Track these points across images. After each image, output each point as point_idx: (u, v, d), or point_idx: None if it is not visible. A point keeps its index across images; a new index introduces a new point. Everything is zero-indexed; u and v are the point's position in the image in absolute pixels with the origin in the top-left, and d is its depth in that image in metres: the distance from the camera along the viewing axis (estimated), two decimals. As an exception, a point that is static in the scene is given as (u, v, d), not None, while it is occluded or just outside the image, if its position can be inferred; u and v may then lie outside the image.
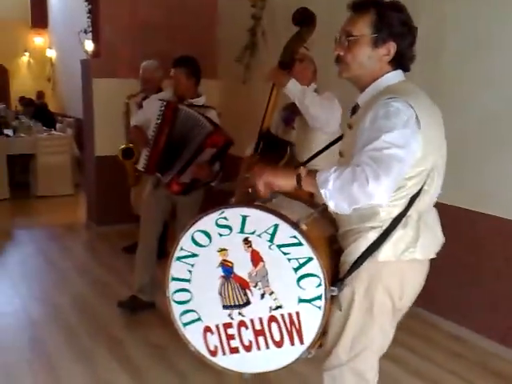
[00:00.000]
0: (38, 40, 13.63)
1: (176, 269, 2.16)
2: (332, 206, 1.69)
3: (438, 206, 1.98)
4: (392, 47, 1.83)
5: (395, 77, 1.87)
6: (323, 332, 1.97)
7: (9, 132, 8.37)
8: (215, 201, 2.33)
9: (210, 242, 2.07)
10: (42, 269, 5.04)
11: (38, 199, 7.83)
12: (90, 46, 6.44)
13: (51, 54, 13.22)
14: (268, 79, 3.05)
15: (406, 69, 1.90)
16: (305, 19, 2.97)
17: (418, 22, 1.97)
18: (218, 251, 2.05)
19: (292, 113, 3.31)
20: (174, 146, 3.76)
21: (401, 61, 1.87)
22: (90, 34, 6.35)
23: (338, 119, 3.15)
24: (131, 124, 4.12)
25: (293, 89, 3.02)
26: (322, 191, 1.68)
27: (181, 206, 3.98)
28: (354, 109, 1.95)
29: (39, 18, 13.24)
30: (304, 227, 1.89)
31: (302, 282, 1.92)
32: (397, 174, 1.66)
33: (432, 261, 1.95)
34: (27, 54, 13.74)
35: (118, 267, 4.99)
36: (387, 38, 1.82)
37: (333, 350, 1.97)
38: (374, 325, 1.90)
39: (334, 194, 1.66)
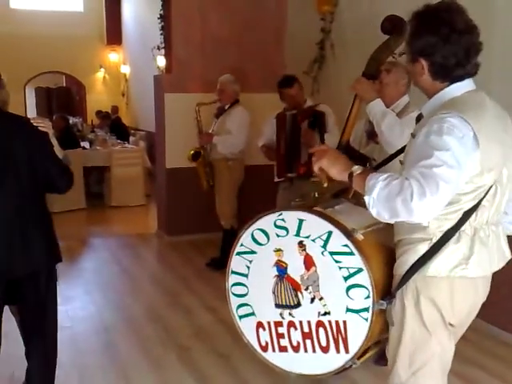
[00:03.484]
0: (113, 56, 14.19)
1: (235, 263, 2.28)
2: (374, 213, 1.67)
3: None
4: (424, 62, 1.79)
5: (459, 89, 1.80)
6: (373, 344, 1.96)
7: (85, 144, 8.76)
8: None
9: (268, 241, 2.15)
10: (116, 276, 5.23)
11: (111, 209, 8.14)
12: (162, 61, 6.65)
13: (125, 69, 13.73)
14: (352, 89, 2.91)
15: (464, 76, 1.80)
16: (394, 27, 2.80)
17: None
18: (275, 251, 2.13)
19: None
20: (290, 146, 4.30)
21: (445, 72, 1.79)
22: (163, 50, 6.57)
23: None
24: (259, 145, 4.68)
25: (374, 108, 2.93)
26: (367, 197, 1.67)
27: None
28: (419, 117, 1.93)
29: (114, 35, 13.81)
30: (360, 237, 1.91)
31: (350, 292, 1.94)
32: (444, 193, 1.60)
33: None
34: (102, 70, 14.33)
35: (187, 277, 5.10)
36: (416, 54, 1.80)
37: (393, 368, 1.92)
38: (431, 339, 1.84)
39: (377, 202, 1.64)
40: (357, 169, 1.76)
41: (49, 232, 2.63)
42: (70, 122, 9.46)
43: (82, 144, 8.59)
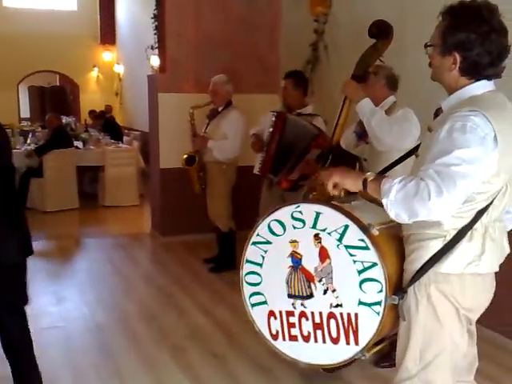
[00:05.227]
0: (107, 56, 14.18)
1: (251, 252, 2.32)
2: (392, 215, 1.73)
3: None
4: (458, 57, 1.82)
5: (481, 87, 1.84)
6: (381, 339, 1.99)
7: (79, 144, 8.73)
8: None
9: (284, 232, 2.20)
10: (109, 276, 5.22)
11: (105, 209, 8.12)
12: (156, 61, 6.65)
13: (119, 69, 13.72)
14: (342, 92, 3.04)
15: (491, 77, 1.85)
16: (381, 32, 2.95)
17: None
18: (290, 242, 2.17)
19: None
20: (283, 150, 4.13)
21: (476, 70, 1.82)
22: (157, 49, 6.57)
23: (414, 136, 3.12)
24: (250, 133, 4.60)
25: (364, 107, 3.02)
26: (384, 200, 1.72)
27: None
28: (437, 112, 1.98)
29: (108, 35, 13.83)
30: (376, 232, 1.94)
31: (364, 285, 1.98)
32: (462, 191, 1.65)
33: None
34: (96, 69, 14.32)
35: (181, 278, 5.10)
36: (452, 48, 1.81)
37: (401, 363, 1.95)
38: (443, 332, 1.88)
39: (394, 204, 1.70)
40: (370, 175, 1.83)
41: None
42: (64, 121, 9.41)
43: (76, 143, 8.54)
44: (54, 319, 4.10)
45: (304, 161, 3.97)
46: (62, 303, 4.44)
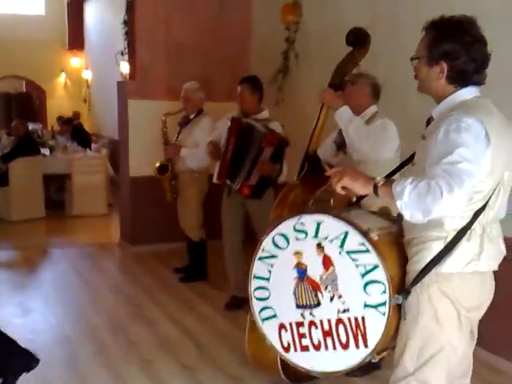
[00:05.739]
0: (75, 61, 13.97)
1: (258, 268, 2.38)
2: (407, 216, 1.80)
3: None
4: (445, 66, 1.93)
5: (469, 92, 1.96)
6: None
7: (45, 151, 8.56)
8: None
9: (288, 244, 2.26)
10: (76, 287, 5.10)
11: (72, 218, 7.95)
12: (125, 67, 6.58)
13: (87, 75, 13.54)
14: (320, 100, 3.04)
15: (477, 83, 1.97)
16: (358, 40, 2.96)
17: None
18: (294, 254, 2.24)
19: None
20: (239, 155, 4.15)
21: (463, 77, 1.94)
22: (127, 56, 6.49)
23: (391, 148, 3.14)
24: (207, 140, 4.55)
25: (342, 115, 3.01)
26: (398, 202, 1.79)
27: (253, 212, 4.28)
28: (429, 120, 2.06)
29: (76, 40, 13.60)
30: (375, 237, 2.02)
31: (368, 288, 2.04)
32: (469, 187, 1.75)
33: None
34: (64, 75, 14.10)
35: (151, 288, 5.02)
36: (438, 58, 1.93)
37: (399, 361, 2.02)
38: (442, 334, 1.95)
39: (408, 205, 1.77)
40: (380, 180, 1.91)
41: None
42: (30, 128, 9.25)
43: (42, 151, 8.37)
44: (19, 330, 3.94)
45: (259, 162, 3.99)
46: (28, 314, 4.32)
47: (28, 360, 3.03)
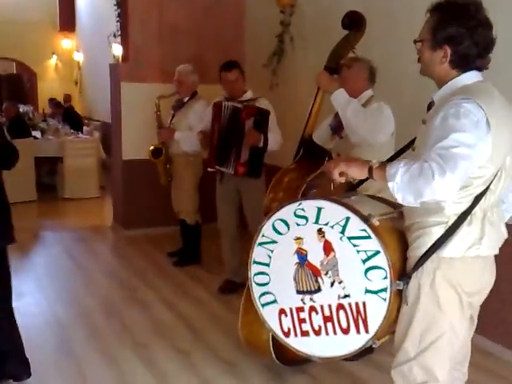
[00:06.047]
0: (66, 43, 13.79)
1: (257, 253, 2.37)
2: (399, 198, 1.80)
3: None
4: (448, 50, 1.91)
5: (471, 77, 1.94)
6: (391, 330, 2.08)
7: (37, 134, 8.48)
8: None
9: (288, 230, 2.25)
10: (69, 271, 5.08)
11: (64, 201, 7.92)
12: (118, 50, 6.50)
13: (78, 57, 13.38)
14: (316, 83, 3.03)
15: (479, 68, 1.96)
16: (353, 23, 2.94)
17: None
18: (295, 239, 2.23)
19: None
20: (224, 137, 4.16)
21: (466, 62, 1.93)
22: (119, 37, 6.41)
23: (388, 131, 3.13)
24: (200, 125, 4.58)
25: (338, 98, 3.00)
26: (390, 184, 1.79)
27: (246, 195, 4.27)
28: (430, 105, 2.04)
29: (67, 21, 13.40)
30: (376, 223, 2.02)
31: (369, 274, 2.04)
32: (463, 172, 1.73)
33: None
34: (55, 56, 13.91)
35: (145, 271, 5.01)
36: (442, 42, 1.91)
37: (401, 346, 2.02)
38: (443, 319, 1.95)
39: (400, 187, 1.77)
40: (375, 163, 1.91)
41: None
42: (21, 110, 9.13)
43: (34, 133, 8.29)
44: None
45: (245, 135, 3.99)
46: (20, 298, 4.27)
47: (21, 372, 3.02)
